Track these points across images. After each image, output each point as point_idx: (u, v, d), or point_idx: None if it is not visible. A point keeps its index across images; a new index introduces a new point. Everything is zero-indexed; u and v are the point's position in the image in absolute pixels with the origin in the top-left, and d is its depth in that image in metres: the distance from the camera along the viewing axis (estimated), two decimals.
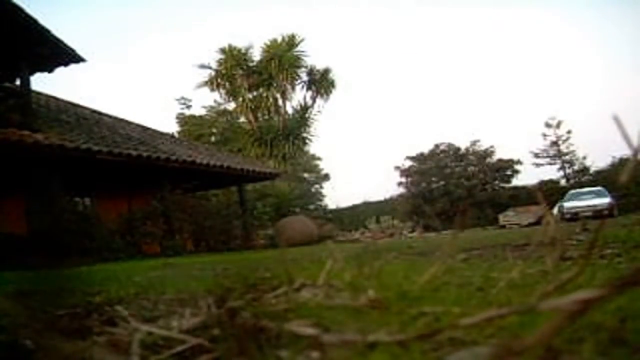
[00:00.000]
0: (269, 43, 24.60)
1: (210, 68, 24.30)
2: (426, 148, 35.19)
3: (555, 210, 20.16)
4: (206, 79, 24.32)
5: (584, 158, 32.09)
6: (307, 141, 24.96)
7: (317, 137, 30.20)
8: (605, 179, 25.38)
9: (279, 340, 0.51)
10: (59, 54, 10.51)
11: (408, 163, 35.35)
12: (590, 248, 0.89)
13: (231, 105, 25.96)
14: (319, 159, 40.48)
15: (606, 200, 20.24)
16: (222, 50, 24.47)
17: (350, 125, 71.70)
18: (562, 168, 32.62)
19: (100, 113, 13.89)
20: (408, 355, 0.42)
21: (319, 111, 24.90)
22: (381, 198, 35.85)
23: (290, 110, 24.99)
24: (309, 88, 24.84)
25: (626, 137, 0.48)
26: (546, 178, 31.57)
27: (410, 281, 0.70)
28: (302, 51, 24.59)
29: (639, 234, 2.27)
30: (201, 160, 12.42)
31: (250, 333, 0.53)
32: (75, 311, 0.86)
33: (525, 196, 27.51)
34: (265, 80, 24.23)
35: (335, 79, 24.89)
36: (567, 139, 32.43)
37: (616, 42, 53.14)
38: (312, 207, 31.77)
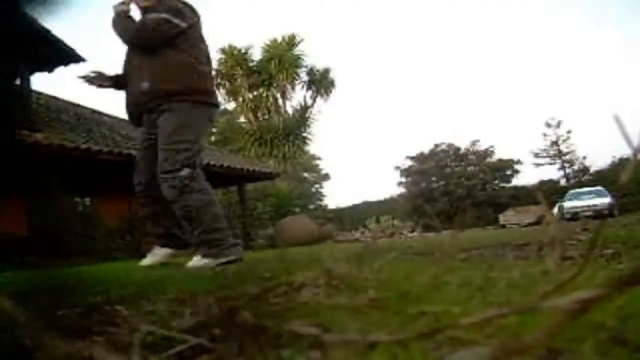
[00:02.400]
0: (269, 43, 24.60)
1: None
2: (426, 148, 35.22)
3: (555, 210, 20.17)
4: None
5: (584, 158, 32.10)
6: (307, 141, 24.97)
7: (317, 137, 30.20)
8: (605, 179, 25.38)
9: (279, 340, 0.51)
10: (59, 54, 10.51)
11: (408, 163, 35.35)
12: (590, 248, 0.89)
13: (231, 105, 25.98)
14: (319, 158, 40.51)
15: (606, 200, 20.25)
16: (222, 50, 24.47)
17: (351, 125, 71.64)
18: (562, 168, 32.62)
19: (100, 113, 13.89)
20: (408, 354, 0.42)
21: (319, 111, 24.94)
22: (381, 198, 35.88)
23: (290, 110, 25.00)
24: (309, 88, 24.84)
25: (626, 137, 0.48)
26: (546, 178, 31.60)
27: (410, 281, 0.70)
28: (302, 51, 24.62)
29: (639, 233, 2.27)
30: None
31: (250, 333, 0.53)
32: (75, 311, 0.86)
33: (525, 196, 27.53)
34: (265, 80, 24.22)
35: (335, 79, 24.92)
36: (567, 138, 32.44)
37: (617, 40, 53.15)
38: (312, 207, 31.77)
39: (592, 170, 31.28)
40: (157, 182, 3.18)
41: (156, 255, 3.33)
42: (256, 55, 24.75)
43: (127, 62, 3.34)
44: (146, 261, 3.32)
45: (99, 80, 3.37)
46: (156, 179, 3.19)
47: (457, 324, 0.43)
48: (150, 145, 3.27)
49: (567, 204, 20.83)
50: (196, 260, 3.00)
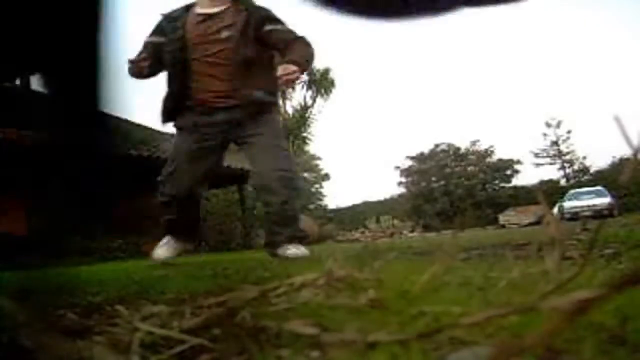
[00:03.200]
0: None
1: None
2: (426, 148, 35.24)
3: (555, 210, 20.18)
4: None
5: (584, 158, 32.10)
6: (307, 141, 24.96)
7: (317, 137, 30.19)
8: (605, 179, 25.38)
9: (279, 340, 0.51)
10: None
11: (408, 163, 35.37)
12: (590, 248, 0.89)
13: None
14: (319, 158, 40.52)
15: (606, 200, 20.26)
16: None
17: (351, 125, 71.67)
18: (562, 168, 32.63)
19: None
20: (408, 354, 0.42)
21: (319, 111, 24.94)
22: (381, 198, 35.90)
23: (290, 110, 24.98)
24: (309, 88, 24.83)
25: (626, 137, 0.48)
26: (546, 178, 31.61)
27: (410, 281, 0.70)
28: None
29: (639, 233, 2.27)
30: None
31: (250, 333, 0.53)
32: (75, 311, 0.86)
33: (525, 196, 27.53)
34: None
35: (335, 79, 24.91)
36: (567, 138, 32.45)
37: (617, 40, 53.16)
38: (312, 207, 31.78)
39: (592, 170, 31.29)
40: (199, 190, 3.27)
41: (167, 246, 3.26)
42: None
43: (189, 61, 3.20)
44: (157, 253, 3.26)
45: (143, 62, 3.23)
46: (195, 187, 3.21)
47: (457, 324, 0.43)
48: (202, 148, 3.15)
49: (567, 204, 20.83)
50: (301, 248, 3.09)
